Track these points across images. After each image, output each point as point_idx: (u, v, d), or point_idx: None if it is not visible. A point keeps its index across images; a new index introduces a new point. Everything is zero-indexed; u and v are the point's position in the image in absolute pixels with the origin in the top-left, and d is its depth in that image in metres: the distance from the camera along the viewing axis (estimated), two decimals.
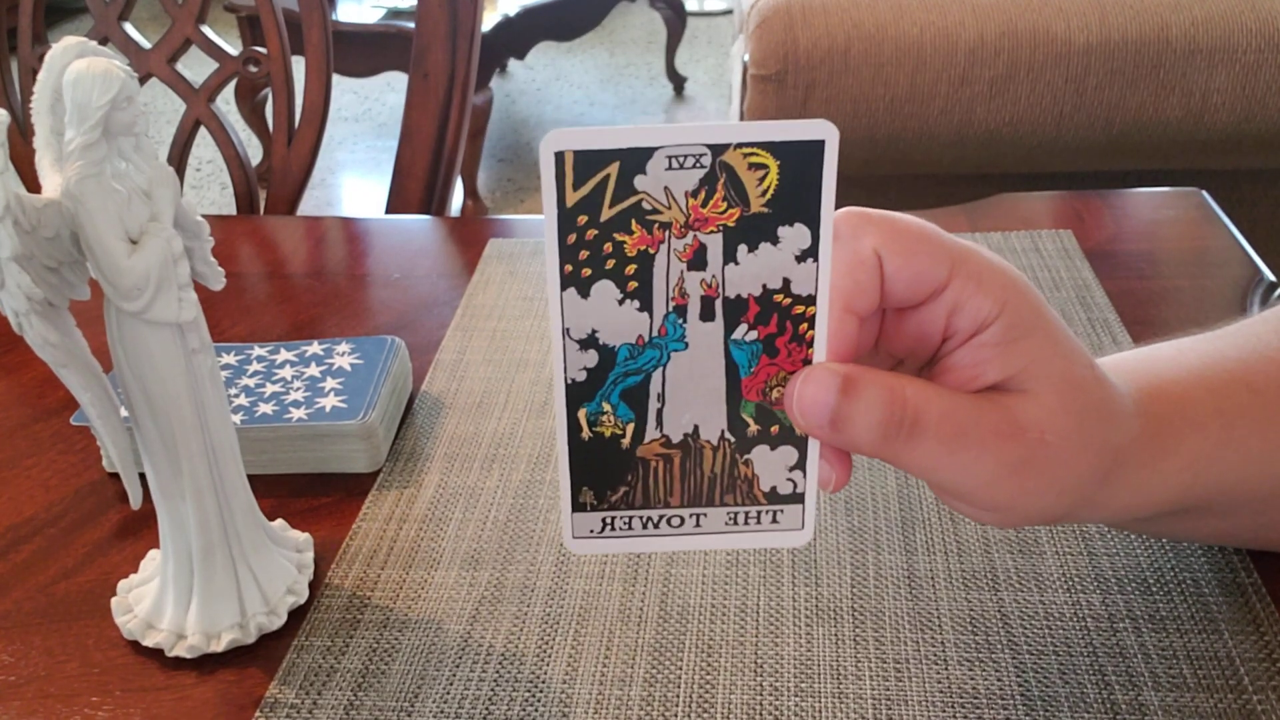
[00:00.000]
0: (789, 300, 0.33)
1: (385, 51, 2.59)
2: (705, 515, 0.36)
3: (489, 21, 2.73)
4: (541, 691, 0.44)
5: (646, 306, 0.33)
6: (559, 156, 0.30)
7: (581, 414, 0.34)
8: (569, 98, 3.45)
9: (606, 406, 0.34)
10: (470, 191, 2.67)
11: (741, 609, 0.47)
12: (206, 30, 0.96)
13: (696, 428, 0.35)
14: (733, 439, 0.35)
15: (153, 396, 0.42)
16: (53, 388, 0.64)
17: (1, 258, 0.38)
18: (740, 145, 0.31)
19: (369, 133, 3.27)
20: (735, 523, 0.36)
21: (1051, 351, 0.35)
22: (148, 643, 0.46)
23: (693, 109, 3.36)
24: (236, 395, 0.57)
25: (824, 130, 0.31)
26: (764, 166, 0.31)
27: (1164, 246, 0.74)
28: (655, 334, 0.33)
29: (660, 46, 3.59)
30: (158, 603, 0.47)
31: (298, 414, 0.56)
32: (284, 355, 0.61)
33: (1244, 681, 0.42)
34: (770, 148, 0.31)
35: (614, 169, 0.31)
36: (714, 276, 0.33)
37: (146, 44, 0.96)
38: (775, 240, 0.32)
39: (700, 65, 3.66)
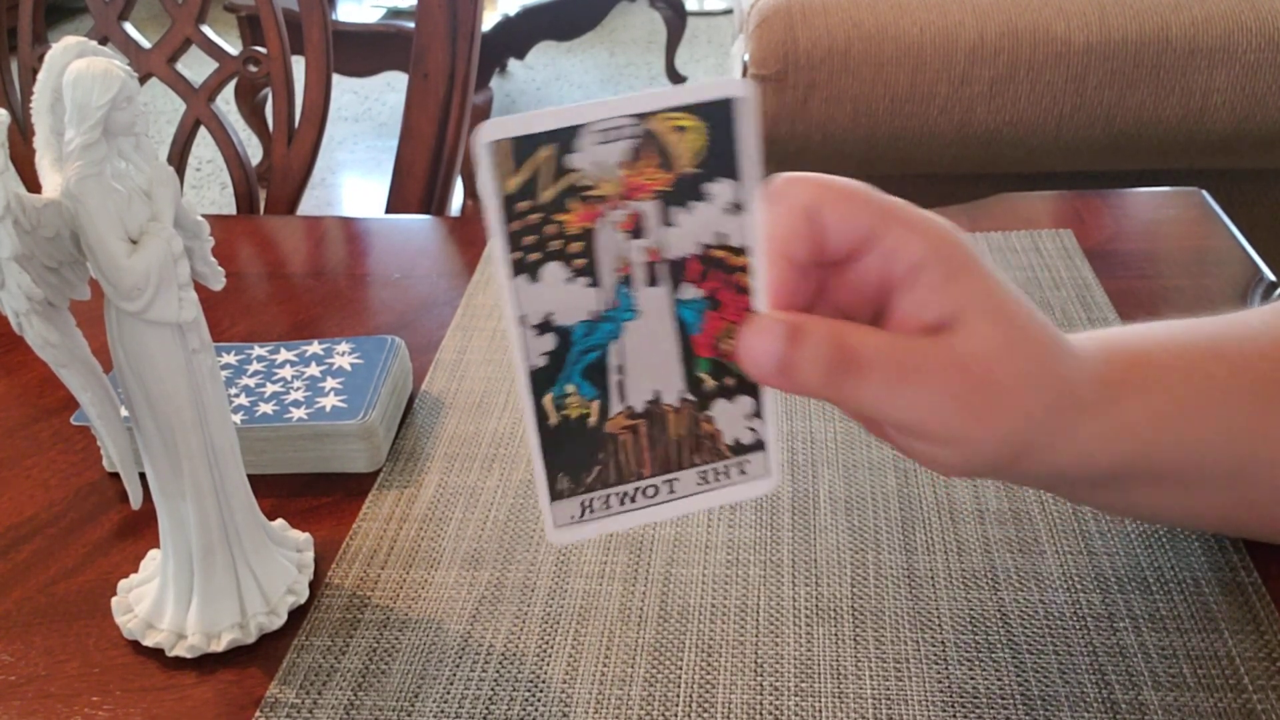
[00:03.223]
0: (725, 253, 0.34)
1: (385, 51, 2.59)
2: (678, 480, 0.37)
3: (489, 21, 2.73)
4: (541, 691, 0.44)
5: (595, 281, 0.34)
6: (493, 146, 0.31)
7: (548, 400, 0.35)
8: (569, 98, 3.45)
9: (570, 388, 0.35)
10: (470, 191, 2.67)
11: (741, 609, 0.47)
12: (206, 30, 0.96)
13: (657, 394, 0.36)
14: (693, 398, 0.36)
15: (153, 396, 0.42)
16: (53, 387, 0.64)
17: (2, 257, 0.38)
18: (663, 111, 0.32)
19: (369, 133, 3.27)
20: (706, 481, 0.37)
21: (986, 289, 0.37)
22: (148, 642, 0.46)
23: None
24: (237, 395, 0.57)
25: (740, 88, 0.32)
26: (687, 129, 0.32)
27: (1164, 246, 0.74)
28: (607, 307, 0.34)
29: (660, 46, 3.59)
30: (158, 602, 0.47)
31: (298, 414, 0.56)
32: (284, 355, 0.61)
33: (1244, 681, 0.42)
34: (692, 110, 0.32)
35: (547, 151, 0.32)
36: (655, 241, 0.34)
37: (146, 44, 0.96)
38: (705, 197, 0.33)
39: (700, 65, 3.66)
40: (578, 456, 0.36)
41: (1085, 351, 0.40)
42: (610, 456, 0.36)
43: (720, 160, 0.33)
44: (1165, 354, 0.42)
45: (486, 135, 0.31)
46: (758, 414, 0.37)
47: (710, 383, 0.36)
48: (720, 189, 0.33)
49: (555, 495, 0.36)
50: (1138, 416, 0.40)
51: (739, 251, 0.34)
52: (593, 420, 0.35)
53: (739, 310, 0.35)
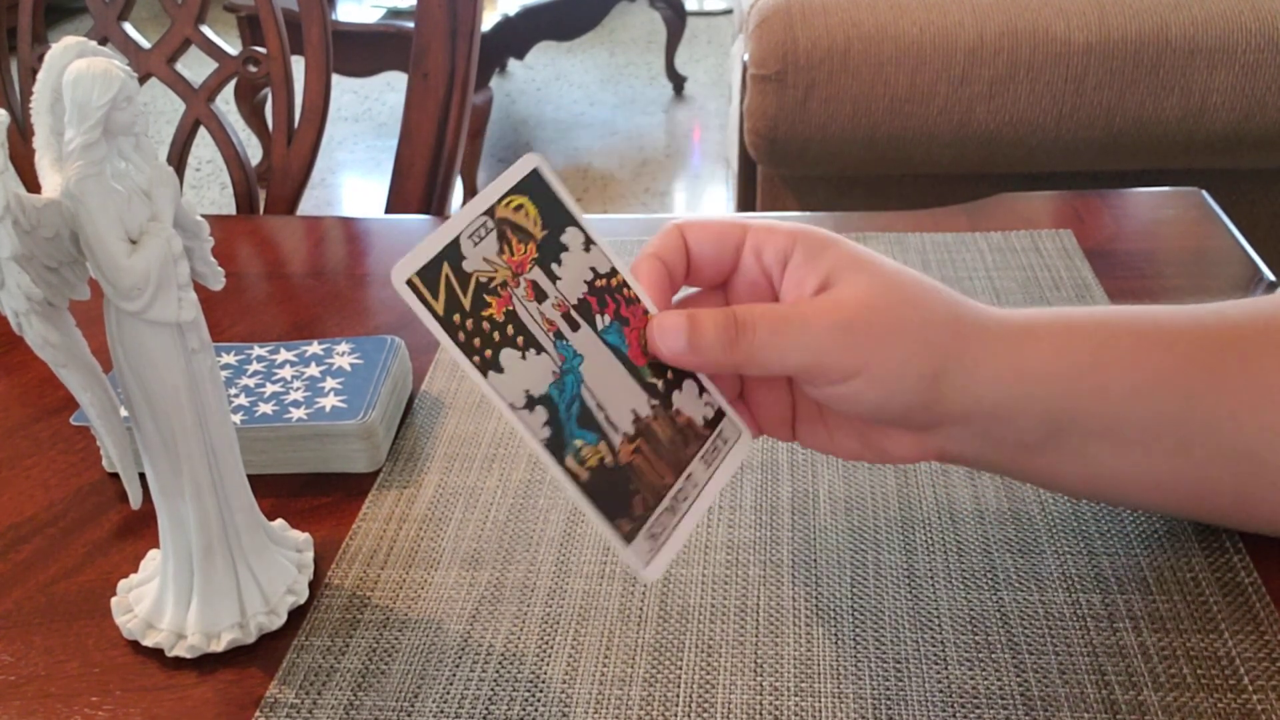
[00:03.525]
0: (603, 281, 0.41)
1: (385, 51, 2.59)
2: (691, 474, 0.42)
3: (489, 21, 2.73)
4: (541, 691, 0.44)
5: (540, 349, 0.39)
6: (410, 284, 0.37)
7: (569, 462, 0.39)
8: (569, 97, 3.45)
9: (579, 443, 0.39)
10: (470, 191, 2.68)
11: (741, 609, 0.47)
12: (206, 30, 0.96)
13: (634, 412, 0.41)
14: (656, 401, 0.42)
15: (152, 396, 0.42)
16: (53, 388, 0.64)
17: (1, 257, 0.38)
18: (498, 201, 0.39)
19: (369, 133, 3.27)
20: (709, 464, 0.43)
21: (851, 254, 0.42)
22: (148, 642, 0.46)
23: (692, 108, 3.36)
24: (236, 395, 0.57)
25: (532, 160, 0.41)
26: (521, 205, 0.40)
27: (1164, 246, 0.74)
28: (560, 364, 0.39)
29: (660, 46, 3.59)
30: (158, 602, 0.47)
31: (298, 414, 0.56)
32: (284, 355, 0.61)
33: (1244, 681, 0.42)
34: (514, 190, 0.40)
35: (445, 269, 0.37)
36: (556, 298, 0.40)
37: (146, 44, 0.96)
38: (566, 248, 0.41)
39: (700, 65, 3.66)
40: (618, 497, 0.40)
41: (989, 306, 0.44)
42: (639, 483, 0.40)
43: (554, 216, 0.41)
44: (1079, 314, 0.45)
45: (400, 277, 0.36)
46: (703, 390, 0.43)
47: (659, 382, 0.42)
48: (569, 236, 0.41)
49: (628, 539, 0.39)
50: (1050, 358, 0.43)
51: (611, 274, 0.42)
52: (609, 460, 0.40)
53: (640, 317, 0.42)
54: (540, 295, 0.39)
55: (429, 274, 0.37)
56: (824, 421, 0.46)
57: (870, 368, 0.41)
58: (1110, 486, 0.46)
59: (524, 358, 0.39)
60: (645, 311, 0.42)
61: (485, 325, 0.38)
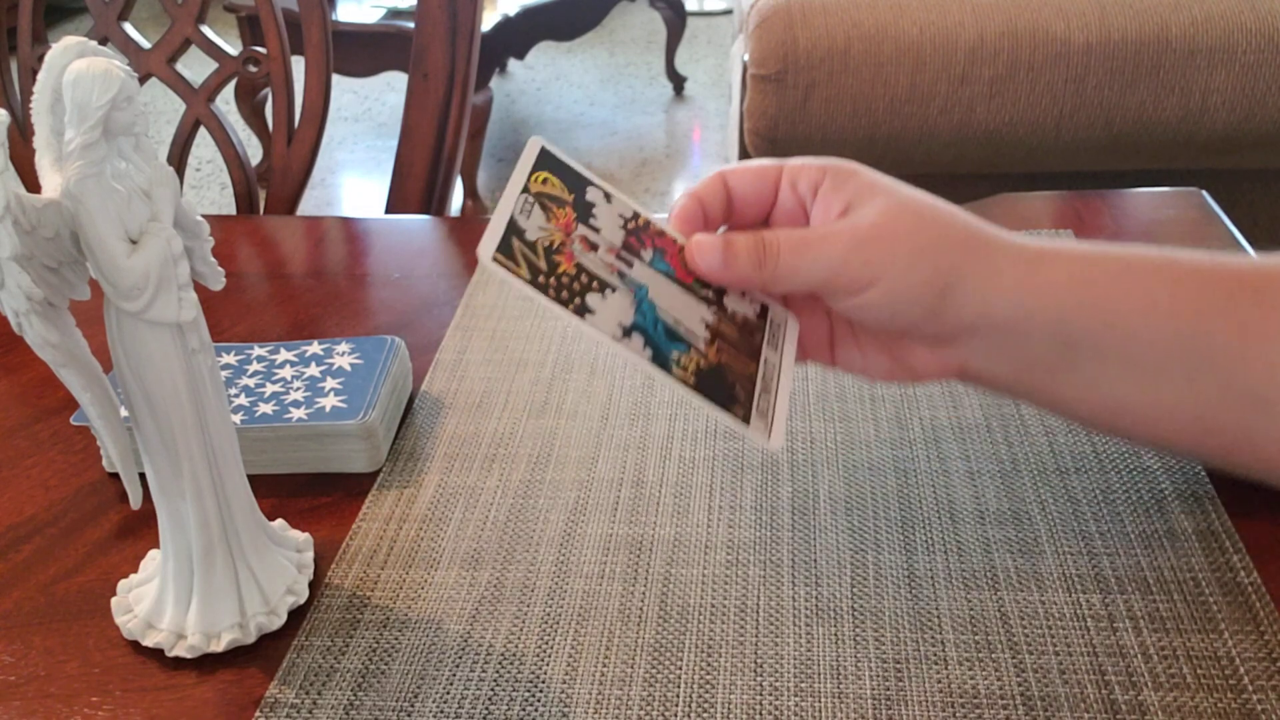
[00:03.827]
0: (633, 223, 0.48)
1: (385, 51, 2.59)
2: (765, 359, 0.48)
3: (489, 21, 2.73)
4: (541, 691, 0.44)
5: (613, 287, 0.45)
6: (494, 261, 0.42)
7: (675, 371, 0.45)
8: (569, 97, 3.45)
9: (675, 354, 0.45)
10: (470, 191, 2.68)
11: (741, 609, 0.47)
12: (206, 30, 0.96)
13: (703, 320, 0.47)
14: (714, 308, 0.48)
15: (152, 396, 0.42)
16: (53, 388, 0.64)
17: (1, 257, 0.38)
18: (527, 179, 0.45)
19: (369, 133, 3.27)
20: (775, 346, 0.49)
21: (873, 181, 0.47)
22: (148, 642, 0.46)
23: (692, 108, 3.36)
24: (236, 395, 0.57)
25: (538, 143, 0.47)
26: (546, 179, 0.46)
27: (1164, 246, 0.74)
28: (633, 296, 0.45)
29: (660, 46, 3.59)
30: (158, 602, 0.47)
31: (298, 414, 0.56)
32: (284, 355, 0.61)
33: (1244, 681, 0.42)
34: (535, 168, 0.46)
35: (516, 241, 0.43)
36: (606, 244, 0.46)
37: (146, 44, 0.96)
38: (594, 203, 0.47)
39: (700, 65, 3.66)
40: (724, 389, 0.46)
41: (1011, 232, 0.47)
42: (734, 374, 0.46)
43: (574, 181, 0.47)
44: (1097, 246, 0.47)
45: (486, 255, 0.42)
46: (744, 292, 0.49)
47: (709, 293, 0.48)
48: (591, 194, 0.47)
49: (746, 420, 0.45)
50: (1062, 278, 0.45)
51: (636, 216, 0.48)
52: (704, 363, 0.46)
53: (672, 245, 0.48)
54: (592, 246, 0.45)
55: (505, 249, 0.43)
56: (857, 343, 0.50)
57: (882, 279, 0.45)
58: (1121, 415, 0.48)
59: (604, 297, 0.44)
60: (674, 241, 0.48)
61: (565, 279, 0.44)
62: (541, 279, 0.43)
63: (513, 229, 0.43)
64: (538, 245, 0.44)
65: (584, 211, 0.46)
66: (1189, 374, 0.45)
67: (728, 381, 0.46)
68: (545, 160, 0.46)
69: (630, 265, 0.46)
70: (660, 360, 0.44)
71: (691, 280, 0.47)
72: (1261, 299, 0.45)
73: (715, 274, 0.47)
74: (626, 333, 0.44)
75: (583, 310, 0.43)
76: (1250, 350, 0.44)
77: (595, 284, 0.44)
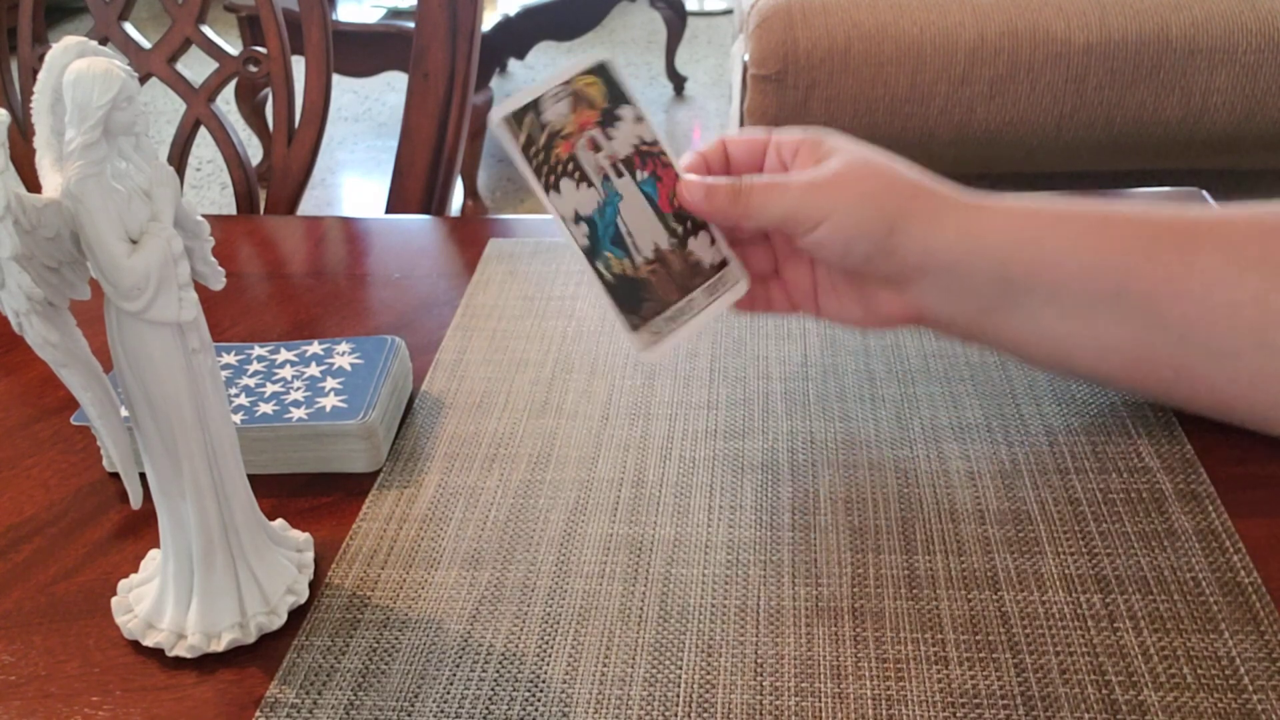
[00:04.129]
0: (648, 147, 0.54)
1: (385, 51, 2.59)
2: (694, 298, 0.54)
3: (489, 21, 2.73)
4: (541, 691, 0.44)
5: (590, 184, 0.52)
6: (506, 120, 0.50)
7: (599, 264, 0.51)
8: None
9: (608, 254, 0.52)
10: (470, 191, 2.67)
11: (741, 608, 0.47)
12: (206, 30, 0.96)
13: (655, 245, 0.53)
14: (675, 241, 0.54)
15: (153, 396, 0.42)
16: (53, 387, 0.64)
17: (2, 257, 0.38)
18: (576, 76, 0.52)
19: (369, 132, 3.27)
20: (711, 294, 0.55)
21: (841, 142, 0.54)
22: (148, 642, 0.46)
23: (693, 108, 3.36)
24: (237, 395, 0.57)
25: (604, 57, 0.54)
26: (593, 81, 0.53)
27: None
28: (603, 198, 0.52)
29: (660, 46, 3.59)
30: (158, 602, 0.47)
31: (298, 414, 0.56)
32: (284, 355, 0.61)
33: (1244, 681, 0.42)
34: (588, 71, 0.53)
35: (530, 116, 0.51)
36: (610, 151, 0.53)
37: (146, 44, 0.96)
38: (620, 119, 0.53)
39: (700, 65, 3.66)
40: (633, 298, 0.52)
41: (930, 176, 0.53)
42: (651, 293, 0.53)
43: (616, 95, 0.54)
44: (1037, 199, 0.52)
45: (496, 116, 0.50)
46: (714, 241, 0.55)
47: (679, 228, 0.54)
48: (625, 111, 0.54)
49: (632, 327, 0.52)
50: (1000, 224, 0.51)
51: (653, 143, 0.54)
52: (629, 271, 0.52)
53: (671, 178, 0.54)
54: (596, 148, 0.52)
55: (519, 116, 0.50)
56: (835, 291, 0.56)
57: (832, 217, 0.51)
58: (1064, 354, 0.53)
59: (577, 187, 0.51)
60: (676, 176, 0.55)
61: (554, 160, 0.51)
62: (533, 151, 0.50)
63: (534, 106, 0.50)
64: (548, 127, 0.51)
65: (608, 119, 0.53)
66: (1120, 315, 0.50)
67: (640, 296, 0.52)
68: (603, 72, 0.53)
69: (620, 175, 0.53)
70: (591, 252, 0.51)
71: (670, 211, 0.54)
72: (1184, 250, 0.49)
73: (697, 204, 0.54)
74: (578, 220, 0.51)
75: (550, 188, 0.50)
76: (1174, 294, 0.49)
77: (577, 174, 0.51)
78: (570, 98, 0.52)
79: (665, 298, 0.53)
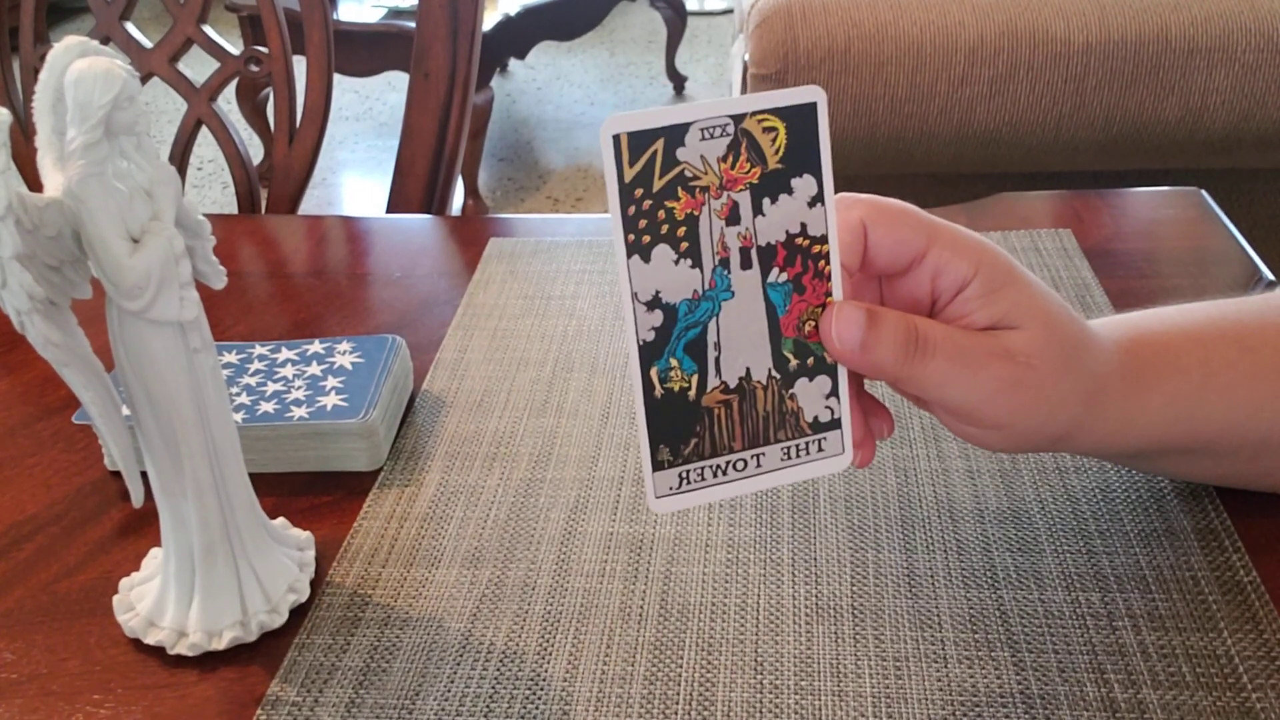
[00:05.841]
0: (807, 242, 0.38)
1: (386, 51, 2.59)
2: (764, 455, 0.40)
3: (489, 21, 2.73)
4: (542, 689, 0.44)
5: (697, 263, 0.37)
6: (616, 139, 0.35)
7: (654, 373, 0.38)
8: (569, 97, 3.45)
9: (674, 361, 0.38)
10: (471, 191, 2.68)
11: (741, 607, 0.47)
12: (208, 30, 0.96)
13: (748, 370, 0.39)
14: (778, 375, 0.40)
15: (154, 395, 0.42)
16: (54, 386, 0.65)
17: (4, 256, 0.38)
18: (755, 113, 0.37)
19: (370, 132, 3.27)
20: (789, 457, 0.41)
21: (1029, 295, 0.41)
22: (149, 640, 0.46)
23: None
24: (238, 394, 0.57)
25: (815, 94, 0.37)
26: (774, 129, 0.37)
27: (1163, 246, 0.74)
28: (706, 287, 0.38)
29: (660, 46, 3.59)
30: (159, 601, 0.47)
31: (299, 412, 0.56)
32: (285, 354, 0.61)
33: (1243, 680, 0.42)
34: (777, 113, 0.37)
35: (660, 144, 0.35)
36: (747, 228, 0.38)
37: (148, 43, 0.97)
38: (790, 191, 0.38)
39: (700, 65, 3.66)
40: (677, 428, 0.39)
41: (1110, 343, 0.44)
42: (706, 430, 0.39)
43: (800, 157, 0.37)
44: (1184, 339, 0.46)
45: (611, 129, 0.35)
46: (834, 394, 0.41)
47: (794, 361, 0.40)
48: (801, 183, 0.38)
49: (657, 466, 0.39)
50: (1159, 402, 0.45)
51: (819, 240, 0.39)
52: (692, 394, 0.39)
53: (819, 295, 0.39)
54: (734, 219, 0.37)
55: (640, 140, 0.35)
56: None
57: (1013, 426, 0.42)
58: (1204, 479, 0.51)
59: (677, 263, 0.37)
60: (828, 294, 0.39)
61: (660, 214, 0.37)
62: (638, 192, 0.36)
63: (673, 133, 0.36)
64: (679, 168, 0.36)
65: (771, 185, 0.38)
66: (1253, 454, 0.47)
67: (689, 428, 0.39)
68: (797, 115, 0.37)
69: (745, 267, 0.38)
70: (650, 352, 0.38)
71: (791, 336, 0.39)
72: None
73: (846, 353, 0.40)
74: (652, 305, 0.37)
75: (638, 250, 0.37)
76: None
77: (684, 246, 0.37)
78: (731, 139, 0.36)
79: (723, 442, 0.39)
